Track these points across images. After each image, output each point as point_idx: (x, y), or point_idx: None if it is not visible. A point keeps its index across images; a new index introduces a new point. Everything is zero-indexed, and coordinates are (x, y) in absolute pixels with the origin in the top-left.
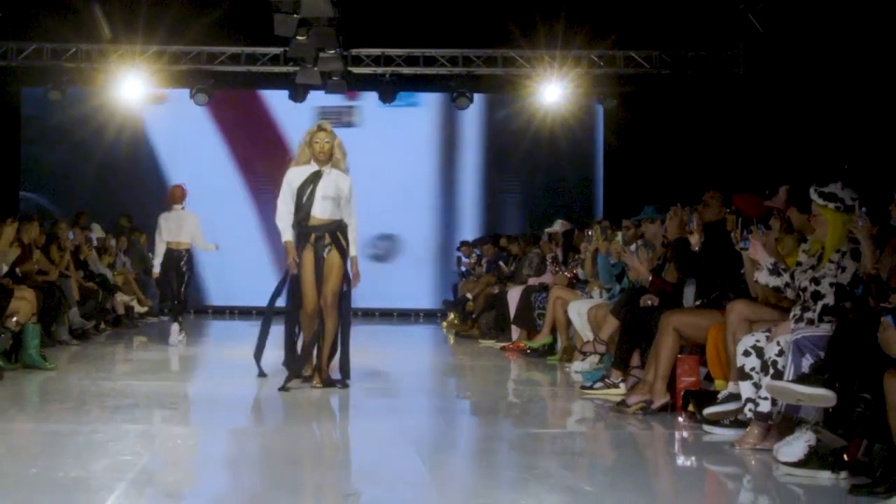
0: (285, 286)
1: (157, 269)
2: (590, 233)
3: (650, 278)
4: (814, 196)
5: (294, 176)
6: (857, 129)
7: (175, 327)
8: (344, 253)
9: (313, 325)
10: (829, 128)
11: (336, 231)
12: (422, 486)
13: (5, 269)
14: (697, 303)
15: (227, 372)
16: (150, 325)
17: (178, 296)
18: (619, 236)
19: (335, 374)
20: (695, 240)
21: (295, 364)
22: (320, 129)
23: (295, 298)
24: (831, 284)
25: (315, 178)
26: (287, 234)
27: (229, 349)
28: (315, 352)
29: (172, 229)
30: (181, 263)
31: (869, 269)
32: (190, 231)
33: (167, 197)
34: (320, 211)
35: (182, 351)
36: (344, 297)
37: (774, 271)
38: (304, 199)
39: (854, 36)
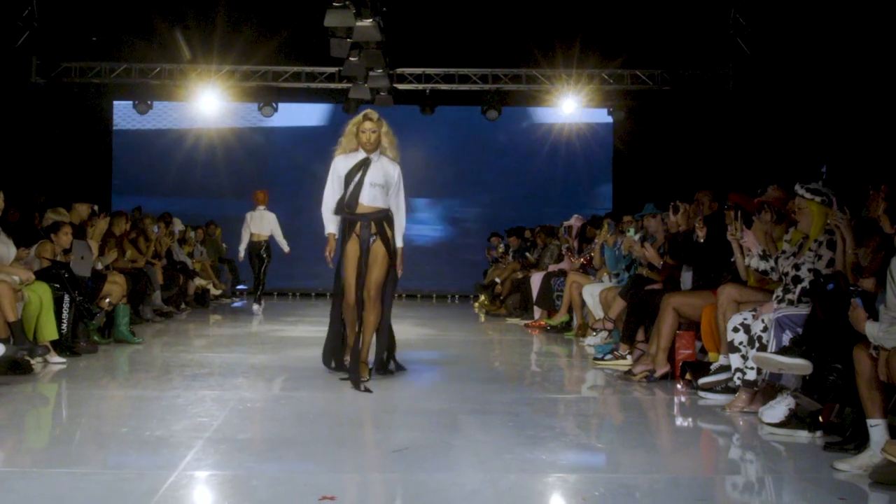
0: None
1: (241, 254)
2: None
3: (662, 263)
4: (800, 191)
5: (341, 164)
6: (832, 136)
7: (255, 303)
8: (388, 244)
9: (354, 316)
10: (808, 135)
11: (382, 220)
12: (457, 441)
13: (100, 265)
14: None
15: (290, 345)
16: (224, 305)
17: (259, 276)
18: (631, 232)
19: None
20: (703, 233)
21: (335, 363)
22: (366, 118)
23: (338, 289)
24: (810, 270)
25: (363, 165)
26: (330, 227)
27: (291, 326)
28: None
29: (256, 224)
30: (261, 251)
31: (850, 254)
32: (269, 226)
33: (252, 198)
34: (369, 199)
35: (252, 327)
36: (388, 288)
37: (763, 257)
38: (352, 186)
39: (829, 55)
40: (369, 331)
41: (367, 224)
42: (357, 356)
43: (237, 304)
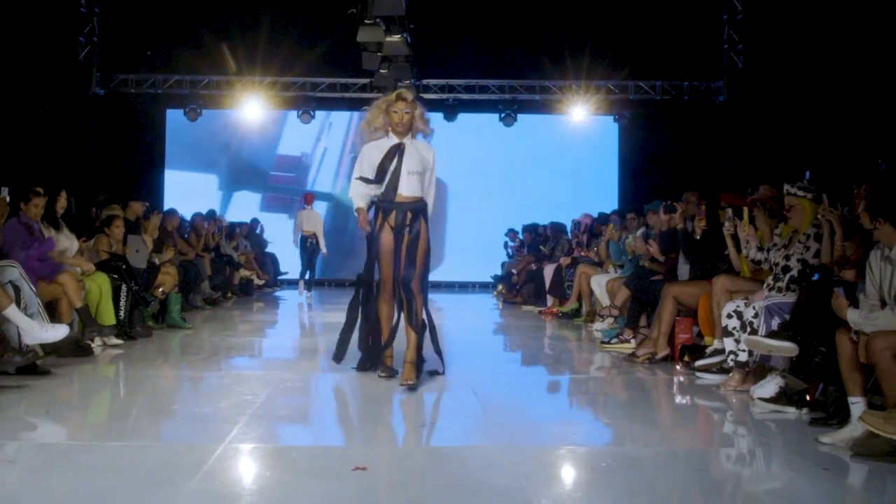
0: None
1: (297, 242)
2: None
3: (664, 258)
4: (792, 190)
5: (372, 151)
6: (816, 141)
7: (302, 286)
8: (426, 231)
9: (391, 310)
10: (794, 140)
11: (418, 212)
12: (476, 417)
13: (157, 261)
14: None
15: (327, 330)
16: (266, 294)
17: (311, 266)
18: (630, 239)
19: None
20: (700, 228)
21: (369, 360)
22: (400, 97)
23: (368, 279)
24: (798, 260)
25: (398, 151)
26: (359, 202)
27: (329, 312)
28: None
29: (305, 221)
30: (310, 244)
31: (838, 246)
32: (315, 223)
33: (302, 199)
34: (407, 188)
35: (293, 314)
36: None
37: (760, 249)
38: (389, 175)
39: (814, 67)
40: (413, 328)
41: (402, 213)
42: (383, 355)
43: (278, 293)
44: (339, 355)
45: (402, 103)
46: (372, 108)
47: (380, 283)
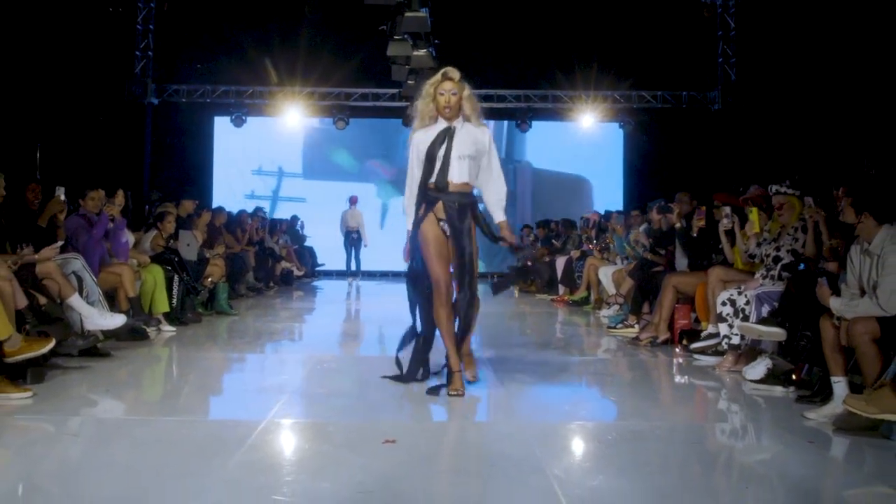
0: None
1: (343, 236)
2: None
3: (663, 253)
4: (782, 190)
5: (421, 139)
6: (802, 145)
7: (352, 277)
8: (472, 229)
9: (449, 309)
10: (781, 145)
11: (467, 207)
12: (495, 395)
13: (208, 255)
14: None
15: (362, 318)
16: (305, 284)
17: (356, 258)
18: (641, 228)
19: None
20: (697, 226)
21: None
22: (446, 77)
23: (424, 286)
24: (788, 251)
25: (447, 135)
26: (410, 223)
27: (363, 301)
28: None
29: (349, 219)
30: (353, 238)
31: (826, 242)
32: (358, 220)
33: (349, 200)
34: (458, 174)
35: (329, 302)
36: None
37: (758, 244)
38: (437, 161)
39: (800, 80)
40: (470, 325)
41: (452, 205)
42: (458, 357)
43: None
44: (412, 372)
45: (449, 83)
46: (422, 96)
47: (432, 285)
